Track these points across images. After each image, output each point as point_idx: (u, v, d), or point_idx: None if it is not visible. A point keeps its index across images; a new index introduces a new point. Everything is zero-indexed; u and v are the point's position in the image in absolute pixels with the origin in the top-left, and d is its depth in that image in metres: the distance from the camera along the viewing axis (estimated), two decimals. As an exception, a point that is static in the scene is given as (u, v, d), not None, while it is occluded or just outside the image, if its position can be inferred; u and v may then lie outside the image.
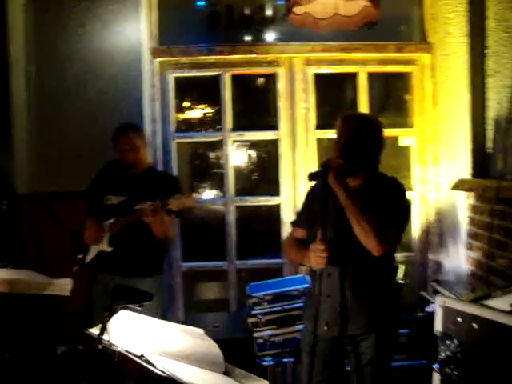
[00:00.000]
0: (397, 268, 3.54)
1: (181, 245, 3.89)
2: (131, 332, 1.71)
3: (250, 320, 3.27)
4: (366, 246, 2.17)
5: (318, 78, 3.84)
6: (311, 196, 2.53)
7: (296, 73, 3.80)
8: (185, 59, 3.77)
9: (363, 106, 3.80)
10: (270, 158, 4.19)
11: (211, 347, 1.76)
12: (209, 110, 4.10)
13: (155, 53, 3.72)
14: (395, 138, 3.98)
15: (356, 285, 2.30)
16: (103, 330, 1.61)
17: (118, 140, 3.11)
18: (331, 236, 2.26)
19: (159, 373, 1.43)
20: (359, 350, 2.34)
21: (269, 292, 3.31)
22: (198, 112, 4.08)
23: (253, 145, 4.37)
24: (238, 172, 4.07)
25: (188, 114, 4.01)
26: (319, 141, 3.85)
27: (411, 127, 3.89)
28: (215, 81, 3.81)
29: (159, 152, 3.81)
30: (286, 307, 3.19)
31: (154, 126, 3.78)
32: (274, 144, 3.90)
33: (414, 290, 3.78)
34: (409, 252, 3.93)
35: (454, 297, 1.47)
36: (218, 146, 3.99)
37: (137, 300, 1.65)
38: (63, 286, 2.30)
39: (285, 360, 3.11)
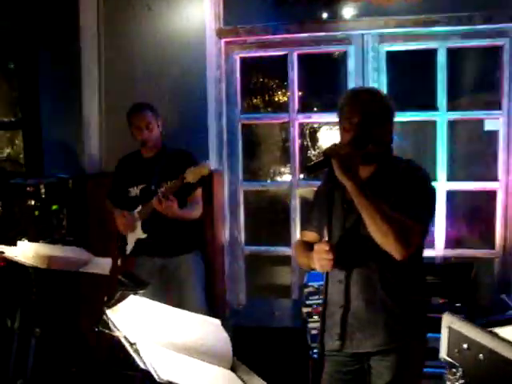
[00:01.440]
0: (469, 266, 3.28)
1: (244, 227, 3.86)
2: (139, 319, 1.68)
3: (305, 310, 3.18)
4: (385, 248, 1.83)
5: (392, 55, 3.57)
6: (319, 191, 2.24)
7: (368, 50, 3.57)
8: (251, 39, 3.66)
9: (442, 87, 3.49)
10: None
11: (222, 341, 1.68)
12: (275, 91, 3.98)
13: (221, 33, 3.66)
14: (479, 122, 3.63)
15: (371, 294, 1.98)
16: (101, 314, 1.60)
17: (133, 117, 3.14)
18: (339, 236, 2.00)
19: (142, 366, 1.38)
20: (376, 370, 2.03)
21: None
22: (264, 93, 3.98)
23: (321, 127, 4.19)
24: (305, 155, 3.93)
25: (254, 95, 3.92)
26: (391, 124, 3.58)
27: (498, 109, 3.51)
28: (282, 61, 3.69)
29: (224, 134, 3.77)
30: (341, 299, 3.04)
31: (220, 107, 3.74)
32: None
33: (494, 292, 3.46)
34: (489, 249, 3.58)
35: (463, 318, 1.22)
36: (284, 128, 3.87)
37: (131, 287, 1.62)
38: (103, 265, 2.34)
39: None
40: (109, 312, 1.71)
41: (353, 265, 2.00)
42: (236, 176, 3.84)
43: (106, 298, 1.64)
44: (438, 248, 3.58)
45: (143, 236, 3.10)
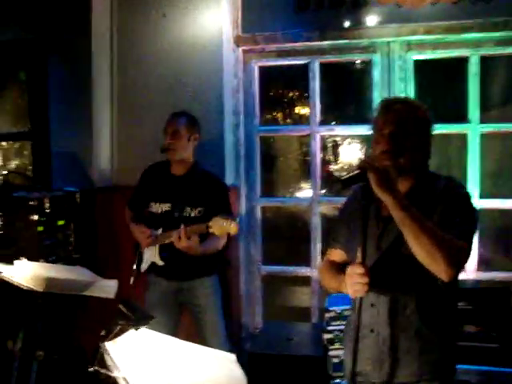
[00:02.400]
0: (506, 292, 3.01)
1: (261, 246, 3.65)
2: (143, 356, 1.48)
3: (326, 336, 2.97)
4: (431, 268, 1.67)
5: (420, 64, 3.36)
6: (348, 207, 2.08)
7: (394, 59, 3.36)
8: (270, 47, 3.48)
9: (474, 97, 3.27)
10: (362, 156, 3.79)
11: (237, 380, 1.48)
12: (295, 102, 3.79)
13: (239, 41, 3.49)
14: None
15: (406, 319, 1.83)
16: (97, 350, 1.41)
17: (166, 122, 2.97)
18: (375, 257, 1.84)
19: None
20: None
21: (348, 307, 2.97)
22: (284, 104, 3.79)
23: (343, 140, 3.98)
24: (326, 170, 3.73)
25: (273, 106, 3.74)
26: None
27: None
28: (303, 70, 3.49)
29: (242, 146, 3.59)
30: (366, 326, 2.82)
31: (237, 118, 3.56)
32: (368, 140, 3.49)
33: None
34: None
35: None
36: (305, 140, 3.67)
37: (132, 320, 1.42)
38: (107, 287, 2.14)
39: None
40: (107, 347, 1.52)
41: (387, 288, 1.85)
42: (254, 191, 3.64)
43: (103, 332, 1.45)
44: (469, 270, 3.32)
45: (160, 263, 2.90)
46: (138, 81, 3.51)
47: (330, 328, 2.95)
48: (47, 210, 2.89)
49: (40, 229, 2.85)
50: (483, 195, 3.33)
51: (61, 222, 3.05)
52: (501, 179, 3.60)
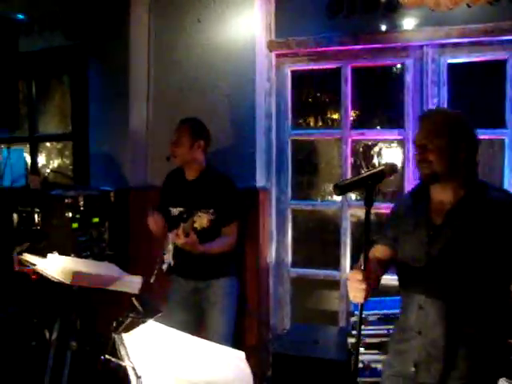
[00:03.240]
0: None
1: (291, 249, 3.68)
2: (153, 348, 1.54)
3: (350, 340, 2.96)
4: None
5: (453, 68, 3.30)
6: (398, 209, 2.14)
7: (427, 63, 3.31)
8: (303, 51, 3.50)
9: (511, 102, 3.18)
10: (394, 160, 3.75)
11: (245, 377, 1.52)
12: (327, 106, 3.80)
13: (271, 45, 3.52)
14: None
15: (454, 322, 1.86)
16: (108, 341, 1.48)
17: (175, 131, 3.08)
18: (423, 263, 1.90)
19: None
20: None
21: (375, 311, 2.96)
22: (316, 108, 3.81)
23: (375, 145, 3.95)
24: (354, 175, 3.71)
25: (305, 110, 3.76)
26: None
27: None
28: (335, 74, 3.50)
29: (273, 150, 3.62)
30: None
31: (269, 121, 3.60)
32: (400, 145, 3.47)
33: None
34: None
35: None
36: (336, 144, 3.67)
37: (141, 313, 1.49)
38: (132, 283, 2.24)
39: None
40: (120, 338, 1.60)
41: (436, 292, 1.89)
42: (284, 194, 3.66)
43: (114, 324, 1.53)
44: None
45: (172, 262, 3.02)
46: (173, 84, 3.62)
47: (355, 332, 2.95)
48: (82, 208, 3.04)
49: (75, 226, 3.00)
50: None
51: (95, 220, 3.19)
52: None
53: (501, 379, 1.02)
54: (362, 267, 1.75)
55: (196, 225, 2.65)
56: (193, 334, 1.60)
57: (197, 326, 3.05)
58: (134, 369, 1.44)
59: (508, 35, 3.12)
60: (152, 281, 2.91)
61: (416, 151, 1.95)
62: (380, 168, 1.80)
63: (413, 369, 1.89)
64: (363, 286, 1.73)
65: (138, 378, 1.36)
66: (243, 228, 3.17)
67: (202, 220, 2.61)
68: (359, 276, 1.74)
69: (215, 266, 3.02)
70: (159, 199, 3.25)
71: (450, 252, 1.85)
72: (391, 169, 1.80)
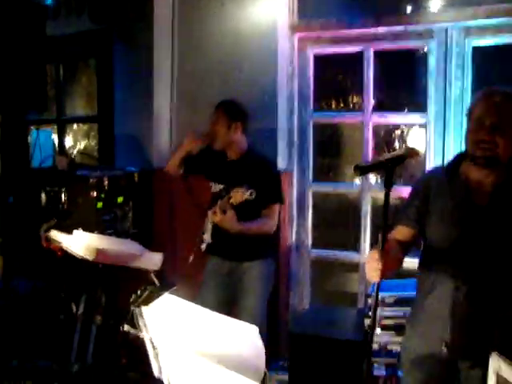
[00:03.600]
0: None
1: (312, 231, 3.72)
2: (171, 321, 1.61)
3: (367, 321, 2.99)
4: None
5: (478, 51, 3.25)
6: (423, 188, 2.09)
7: (452, 45, 3.27)
8: (325, 34, 3.50)
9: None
10: (415, 144, 3.72)
11: (257, 352, 1.58)
12: (349, 89, 3.79)
13: (294, 28, 3.53)
14: None
15: (485, 303, 1.89)
16: (125, 312, 1.56)
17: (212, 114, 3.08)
18: (458, 240, 1.90)
19: (157, 373, 1.30)
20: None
21: (392, 294, 2.98)
22: (338, 91, 3.80)
23: (397, 128, 3.93)
24: (376, 158, 3.71)
25: (327, 93, 3.76)
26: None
27: None
28: (358, 57, 3.49)
29: (295, 132, 3.64)
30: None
31: (292, 104, 3.62)
32: (422, 128, 3.44)
33: None
34: None
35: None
36: (357, 128, 3.67)
37: (157, 288, 1.56)
38: (154, 260, 2.32)
39: (400, 373, 2.77)
40: (139, 311, 1.67)
41: (476, 273, 1.90)
42: (306, 177, 3.70)
43: (133, 296, 1.60)
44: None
45: (210, 241, 3.07)
46: (196, 67, 3.67)
47: (371, 313, 2.98)
48: (106, 188, 3.13)
49: (99, 205, 3.10)
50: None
51: (120, 200, 3.28)
52: None
53: (493, 354, 1.03)
54: (380, 247, 1.77)
55: (232, 200, 2.69)
56: (226, 314, 1.66)
57: (230, 306, 3.09)
58: (151, 340, 1.51)
59: (535, 16, 3.06)
60: (191, 260, 2.96)
61: (480, 129, 1.88)
62: (401, 151, 1.81)
63: (444, 349, 1.92)
64: (380, 266, 1.76)
65: (155, 348, 1.43)
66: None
67: (236, 195, 2.66)
68: (376, 256, 1.77)
69: (251, 248, 3.03)
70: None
71: (494, 234, 1.86)
72: (412, 152, 1.79)
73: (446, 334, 1.92)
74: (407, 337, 2.16)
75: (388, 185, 1.74)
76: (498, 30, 3.19)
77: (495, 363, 1.04)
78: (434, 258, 2.02)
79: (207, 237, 3.09)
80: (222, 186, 3.06)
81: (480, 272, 1.89)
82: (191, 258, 3.02)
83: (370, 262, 1.80)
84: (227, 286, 3.12)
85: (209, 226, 3.07)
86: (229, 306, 3.08)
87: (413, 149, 1.82)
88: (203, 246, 3.11)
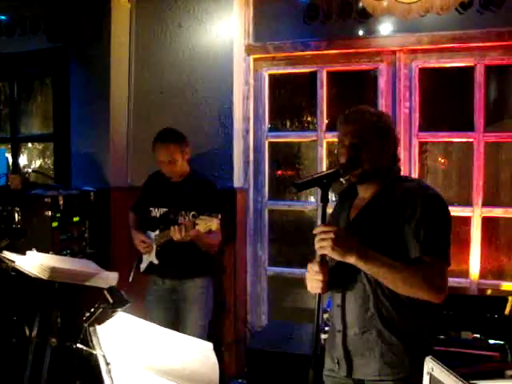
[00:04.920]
0: (503, 300, 3.03)
1: (268, 248, 3.77)
2: (124, 338, 1.62)
3: (323, 336, 3.04)
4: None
5: (425, 73, 3.43)
6: (333, 212, 2.16)
7: (399, 68, 3.43)
8: (280, 55, 3.61)
9: (479, 107, 3.30)
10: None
11: (211, 367, 1.61)
12: (303, 109, 3.90)
13: (250, 49, 3.63)
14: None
15: (367, 322, 1.85)
16: (80, 331, 1.56)
17: (156, 148, 3.05)
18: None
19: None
20: None
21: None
22: (292, 110, 3.91)
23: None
24: (312, 175, 3.81)
25: (281, 113, 3.86)
26: (422, 145, 3.44)
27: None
28: (311, 77, 3.61)
29: (251, 151, 3.72)
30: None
31: (247, 124, 3.70)
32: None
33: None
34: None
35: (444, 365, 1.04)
36: (312, 146, 3.77)
37: (111, 304, 1.57)
38: (110, 279, 2.31)
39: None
40: (91, 328, 1.67)
41: (350, 290, 1.89)
42: (261, 194, 3.76)
43: (86, 314, 1.60)
44: (471, 278, 3.35)
45: (156, 262, 3.11)
46: (153, 87, 3.70)
47: (327, 328, 3.04)
48: (62, 208, 3.10)
49: (54, 224, 3.07)
50: (487, 203, 3.36)
51: (76, 219, 3.26)
52: (506, 188, 3.61)
53: (427, 358, 1.08)
54: (319, 260, 1.78)
55: (199, 227, 2.74)
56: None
57: (173, 324, 3.11)
58: (104, 356, 1.52)
59: (475, 42, 3.25)
60: (130, 280, 3.00)
61: (344, 149, 1.88)
62: (335, 168, 1.83)
63: (336, 365, 1.92)
64: (320, 277, 1.76)
65: (107, 364, 1.44)
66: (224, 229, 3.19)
67: (209, 223, 2.71)
68: (316, 268, 1.78)
69: (191, 267, 3.09)
70: (138, 198, 3.31)
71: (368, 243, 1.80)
72: (346, 169, 1.83)
73: (336, 350, 1.92)
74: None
75: (324, 200, 1.77)
76: (441, 54, 3.37)
77: (428, 365, 1.11)
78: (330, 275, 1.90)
79: (149, 257, 3.12)
80: (165, 209, 3.12)
81: (354, 290, 1.87)
82: (130, 277, 3.08)
83: (310, 274, 1.81)
84: (169, 304, 3.16)
85: (153, 247, 3.10)
86: (171, 323, 3.10)
87: (346, 165, 1.85)
88: (142, 266, 3.16)
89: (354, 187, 2.00)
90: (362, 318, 1.87)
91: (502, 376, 2.03)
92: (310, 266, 1.83)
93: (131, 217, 3.32)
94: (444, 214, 1.87)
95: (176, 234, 2.81)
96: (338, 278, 1.84)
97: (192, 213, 2.92)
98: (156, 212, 3.15)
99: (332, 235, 1.71)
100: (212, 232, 2.87)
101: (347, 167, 1.84)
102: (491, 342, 2.89)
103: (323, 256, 1.79)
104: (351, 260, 1.73)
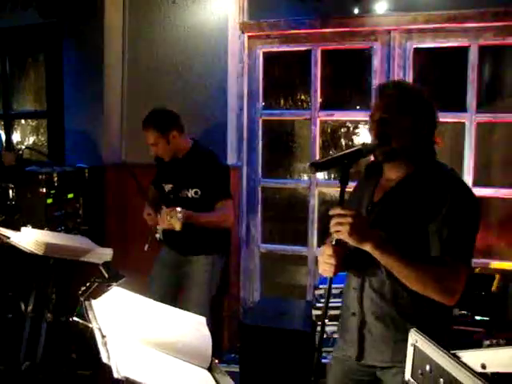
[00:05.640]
0: (490, 278, 3.10)
1: (261, 225, 3.81)
2: (119, 312, 1.66)
3: (315, 312, 3.11)
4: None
5: (419, 53, 3.43)
6: (353, 192, 2.09)
7: (394, 47, 3.43)
8: (274, 33, 3.59)
9: (472, 86, 3.32)
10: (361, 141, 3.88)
11: (204, 340, 1.65)
12: (297, 87, 3.90)
13: (244, 27, 3.61)
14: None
15: (381, 308, 1.82)
16: (76, 306, 1.59)
17: (143, 131, 3.05)
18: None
19: (105, 360, 1.34)
20: None
21: (338, 285, 3.10)
22: (286, 89, 3.91)
23: (342, 125, 4.08)
24: (326, 154, 3.84)
25: (275, 91, 3.86)
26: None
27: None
28: (305, 56, 3.60)
29: (245, 129, 3.72)
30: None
31: (241, 101, 3.70)
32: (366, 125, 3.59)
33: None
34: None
35: (427, 337, 1.08)
36: (305, 125, 3.78)
37: (106, 279, 1.60)
38: (103, 254, 2.34)
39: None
40: (87, 302, 1.71)
41: (367, 274, 1.86)
42: (255, 172, 3.78)
43: (82, 288, 1.64)
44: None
45: (161, 237, 3.11)
46: (147, 63, 3.68)
47: (319, 305, 3.10)
48: (56, 184, 3.11)
49: (49, 201, 3.08)
50: (477, 183, 3.41)
51: (70, 196, 3.27)
52: (496, 168, 3.66)
53: (411, 330, 1.12)
54: (333, 242, 1.74)
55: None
56: (170, 304, 1.70)
57: (175, 297, 3.16)
58: (99, 329, 1.55)
59: (470, 22, 3.25)
60: (146, 249, 3.00)
61: (373, 125, 1.82)
62: (357, 147, 1.76)
63: (352, 349, 1.90)
64: (332, 261, 1.73)
65: (103, 337, 1.47)
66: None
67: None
68: (329, 251, 1.74)
69: (198, 244, 3.09)
70: (155, 174, 3.28)
71: (384, 231, 1.74)
72: (368, 148, 1.76)
73: (351, 334, 1.89)
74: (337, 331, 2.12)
75: (344, 182, 1.71)
76: (435, 34, 3.37)
77: (413, 337, 1.15)
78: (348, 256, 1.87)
79: (159, 232, 3.12)
80: (171, 186, 3.13)
81: (371, 275, 1.83)
82: (146, 246, 3.04)
83: (323, 257, 1.76)
84: (173, 277, 3.19)
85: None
86: (174, 296, 3.15)
87: (368, 144, 1.79)
88: (157, 236, 3.15)
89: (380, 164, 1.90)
90: (376, 304, 1.84)
91: (480, 346, 2.08)
92: (323, 248, 1.79)
93: (151, 190, 3.29)
94: (473, 213, 1.78)
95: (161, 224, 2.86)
96: (356, 259, 1.80)
97: (195, 189, 2.93)
98: (166, 188, 3.16)
99: (350, 219, 1.66)
100: (222, 205, 2.94)
101: (370, 147, 1.77)
102: (477, 318, 3.00)
103: (339, 240, 1.73)
104: (367, 248, 1.69)
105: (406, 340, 1.68)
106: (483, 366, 0.99)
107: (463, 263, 1.72)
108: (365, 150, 1.74)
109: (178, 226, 2.73)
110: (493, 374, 0.97)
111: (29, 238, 2.34)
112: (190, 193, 3.03)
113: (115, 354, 1.52)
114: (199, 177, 3.01)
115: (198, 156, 3.09)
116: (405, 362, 1.63)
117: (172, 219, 2.72)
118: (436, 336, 1.71)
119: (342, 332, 1.96)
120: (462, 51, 3.34)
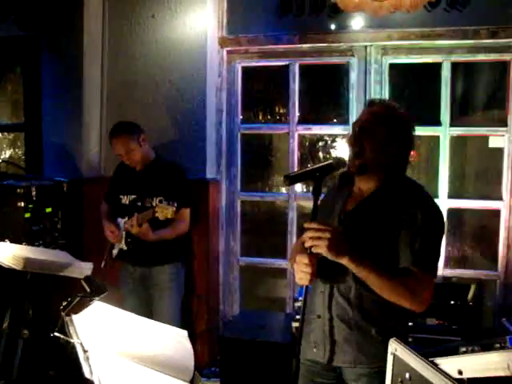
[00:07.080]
0: (466, 288, 3.17)
1: (240, 238, 3.83)
2: (100, 327, 1.66)
3: (295, 324, 3.13)
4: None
5: (395, 68, 3.52)
6: (325, 198, 2.12)
7: (370, 63, 3.51)
8: (253, 48, 3.64)
9: (446, 101, 3.42)
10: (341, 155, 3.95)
11: (186, 353, 1.65)
12: (276, 102, 3.96)
13: (223, 42, 3.65)
14: (484, 139, 3.53)
15: (347, 312, 1.90)
16: (56, 321, 1.59)
17: (112, 145, 3.18)
18: None
19: (88, 376, 1.34)
20: None
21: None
22: (265, 103, 3.97)
23: (320, 139, 4.15)
24: (304, 167, 3.88)
25: (254, 105, 3.91)
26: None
27: (504, 126, 3.40)
28: (284, 71, 3.66)
29: (224, 143, 3.75)
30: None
31: (220, 116, 3.73)
32: (344, 139, 3.66)
33: (494, 316, 3.35)
34: (490, 270, 3.47)
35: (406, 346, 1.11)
36: (284, 138, 3.83)
37: (88, 293, 1.60)
38: (83, 269, 2.33)
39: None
40: (68, 317, 1.70)
41: (334, 278, 1.92)
42: (234, 186, 3.81)
43: (64, 303, 1.63)
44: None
45: (125, 248, 3.19)
46: (127, 77, 3.69)
47: (298, 317, 3.11)
48: (34, 198, 3.09)
49: (27, 215, 3.05)
50: (453, 195, 3.49)
51: (48, 210, 3.25)
52: (470, 180, 3.76)
53: (391, 339, 1.15)
54: (309, 251, 1.78)
55: (158, 215, 2.80)
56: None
57: (146, 311, 3.15)
58: (81, 344, 1.55)
59: (442, 40, 3.35)
60: (103, 266, 3.06)
61: (351, 138, 1.91)
62: (328, 161, 1.84)
63: (314, 349, 1.96)
64: (308, 270, 1.76)
65: (85, 352, 1.47)
66: (194, 215, 3.27)
67: (166, 211, 2.77)
68: (305, 260, 1.77)
69: (161, 254, 3.16)
70: (108, 188, 3.37)
71: (354, 238, 1.82)
72: (339, 162, 1.83)
73: (314, 335, 1.95)
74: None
75: (316, 193, 1.78)
76: (410, 50, 3.47)
77: (392, 346, 1.19)
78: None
79: (122, 244, 3.19)
80: (134, 196, 3.19)
81: (337, 280, 1.90)
82: (103, 263, 3.16)
83: (300, 266, 1.79)
84: (141, 291, 3.24)
85: (122, 233, 3.17)
86: (144, 310, 3.14)
87: (340, 159, 1.86)
88: (114, 252, 3.23)
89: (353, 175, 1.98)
90: (343, 307, 1.90)
91: (457, 353, 2.15)
92: (299, 257, 1.81)
93: (103, 207, 3.37)
94: (441, 228, 1.91)
95: (131, 228, 2.94)
96: (323, 265, 1.84)
97: (159, 198, 3.02)
98: (126, 199, 3.22)
99: (328, 235, 1.72)
100: (181, 216, 3.07)
101: (341, 161, 1.85)
102: (454, 327, 3.06)
103: (311, 248, 1.78)
104: (343, 261, 1.76)
105: (368, 342, 1.86)
106: (460, 372, 1.04)
107: (432, 274, 1.86)
108: (335, 164, 1.83)
109: (169, 214, 2.80)
110: (469, 379, 1.01)
111: (7, 253, 2.32)
112: (155, 201, 3.09)
113: (97, 369, 1.52)
114: (163, 185, 3.10)
115: (162, 166, 3.20)
116: (366, 363, 1.84)
117: (162, 211, 2.80)
118: (397, 336, 1.77)
119: (306, 336, 1.97)
120: (436, 67, 3.44)
